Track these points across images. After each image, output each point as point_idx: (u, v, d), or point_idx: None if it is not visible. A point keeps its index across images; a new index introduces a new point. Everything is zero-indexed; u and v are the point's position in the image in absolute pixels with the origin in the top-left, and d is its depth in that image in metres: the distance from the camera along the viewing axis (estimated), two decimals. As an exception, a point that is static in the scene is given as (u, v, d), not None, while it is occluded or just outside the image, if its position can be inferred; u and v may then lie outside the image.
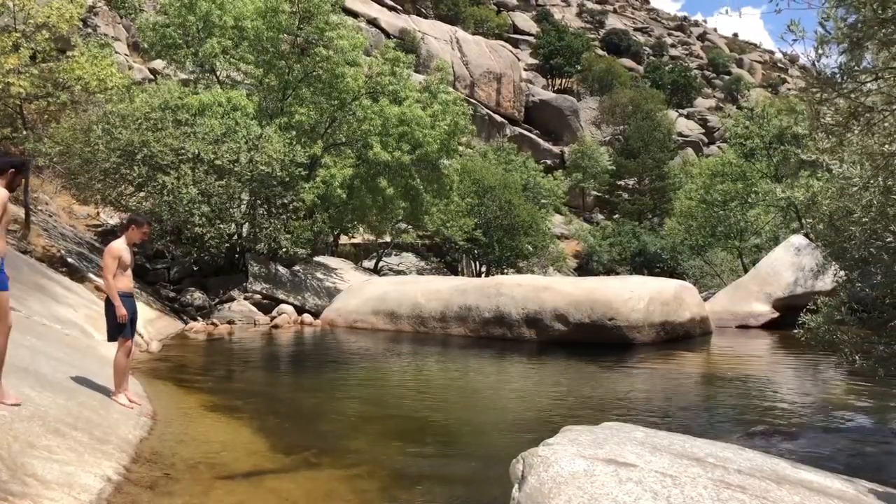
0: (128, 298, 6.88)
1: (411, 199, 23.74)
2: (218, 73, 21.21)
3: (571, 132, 65.28)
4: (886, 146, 5.89)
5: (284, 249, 18.61)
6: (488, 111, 59.72)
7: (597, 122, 68.78)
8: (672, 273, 37.26)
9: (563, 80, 77.79)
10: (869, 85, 5.18)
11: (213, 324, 16.25)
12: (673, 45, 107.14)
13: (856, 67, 4.78)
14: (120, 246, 6.87)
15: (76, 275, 14.57)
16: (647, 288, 14.79)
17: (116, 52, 26.48)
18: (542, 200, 47.05)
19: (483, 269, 34.70)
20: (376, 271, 27.34)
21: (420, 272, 30.81)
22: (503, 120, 61.01)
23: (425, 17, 68.37)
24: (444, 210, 26.15)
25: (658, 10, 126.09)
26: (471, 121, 26.50)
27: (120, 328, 6.78)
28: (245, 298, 17.75)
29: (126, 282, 6.90)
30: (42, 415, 5.37)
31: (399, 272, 29.81)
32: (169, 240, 17.15)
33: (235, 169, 16.73)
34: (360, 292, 18.01)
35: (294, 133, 19.87)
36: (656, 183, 58.27)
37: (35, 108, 16.31)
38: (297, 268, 20.32)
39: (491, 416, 8.13)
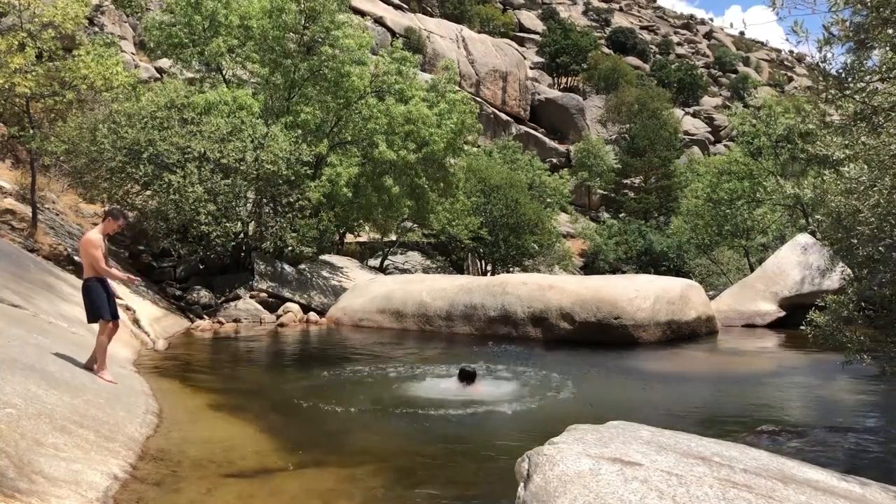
0: (102, 282, 7.48)
1: (417, 197, 23.74)
2: (224, 71, 21.23)
3: (577, 131, 65.24)
4: (893, 146, 5.87)
5: (290, 248, 18.62)
6: (494, 110, 59.73)
7: (602, 121, 68.70)
8: (678, 272, 37.19)
9: (569, 79, 77.76)
10: (876, 85, 5.17)
11: (219, 322, 16.29)
12: (679, 44, 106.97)
13: (861, 68, 4.77)
14: (98, 237, 7.49)
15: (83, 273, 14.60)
16: (653, 287, 14.76)
17: (122, 51, 26.52)
18: (548, 199, 47.04)
19: (489, 267, 34.68)
20: (382, 270, 27.35)
21: (426, 271, 30.81)
22: (509, 118, 61.00)
23: (431, 15, 68.39)
24: (450, 209, 26.14)
25: (664, 8, 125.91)
26: (477, 119, 26.48)
27: (98, 310, 7.38)
28: (251, 297, 17.77)
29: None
30: (49, 412, 5.39)
31: (404, 271, 29.81)
32: (175, 238, 17.19)
33: (241, 167, 16.75)
34: (365, 291, 18.01)
35: (300, 132, 19.87)
36: (662, 181, 58.19)
37: (41, 107, 16.35)
38: (302, 266, 20.34)
39: (496, 414, 8.13)
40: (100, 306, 7.36)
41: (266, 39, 20.58)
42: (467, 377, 9.32)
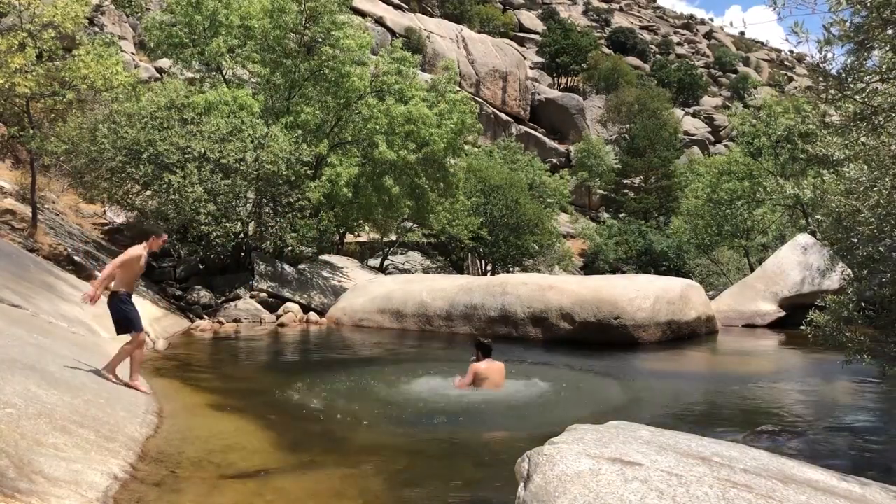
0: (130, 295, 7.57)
1: (417, 197, 23.74)
2: (224, 71, 21.23)
3: (577, 131, 65.27)
4: (893, 147, 5.87)
5: (290, 248, 18.62)
6: (494, 110, 59.75)
7: (603, 121, 68.72)
8: (678, 272, 37.20)
9: (569, 79, 77.84)
10: (876, 85, 5.17)
11: (219, 322, 16.28)
12: (679, 44, 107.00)
13: (861, 68, 4.77)
14: (140, 253, 7.58)
15: (83, 273, 14.61)
16: (653, 287, 14.76)
17: (122, 51, 26.53)
18: (548, 199, 47.06)
19: (489, 267, 34.68)
20: (382, 270, 27.35)
21: (425, 271, 30.81)
22: (509, 118, 61.03)
23: (431, 15, 68.43)
24: (450, 209, 26.14)
25: (664, 8, 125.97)
26: (477, 119, 26.48)
27: (132, 323, 7.43)
28: (251, 297, 17.77)
29: (132, 284, 7.65)
30: (49, 412, 5.39)
31: (404, 271, 29.82)
32: (175, 238, 17.19)
33: (241, 168, 16.75)
34: (365, 291, 18.01)
35: (300, 132, 19.87)
36: (662, 181, 58.23)
37: (41, 107, 16.36)
38: (302, 266, 20.34)
39: (497, 414, 8.13)
40: (133, 319, 7.44)
41: (266, 39, 20.59)
42: (484, 349, 9.29)
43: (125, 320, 7.46)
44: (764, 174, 26.04)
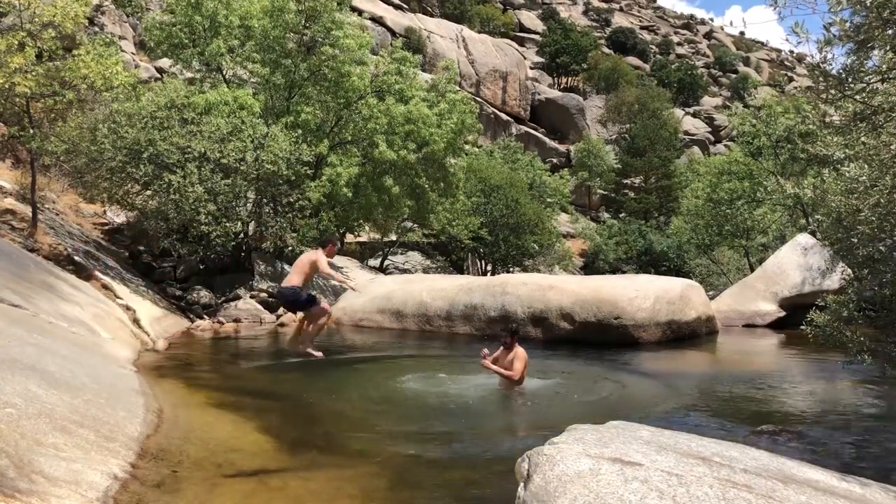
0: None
1: (417, 197, 23.74)
2: (224, 71, 21.22)
3: (577, 131, 65.30)
4: (894, 146, 5.87)
5: (290, 248, 18.61)
6: (494, 110, 59.77)
7: (603, 121, 68.73)
8: (678, 272, 37.20)
9: (569, 79, 77.89)
10: (876, 85, 5.17)
11: (219, 322, 16.28)
12: (679, 44, 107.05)
13: (861, 68, 4.77)
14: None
15: (83, 273, 14.60)
16: (653, 287, 14.76)
17: (122, 51, 26.49)
18: (548, 199, 47.06)
19: (489, 267, 34.68)
20: (382, 270, 27.35)
21: (426, 271, 30.81)
22: (509, 118, 61.05)
23: (431, 15, 68.43)
24: (450, 209, 26.14)
25: (664, 8, 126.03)
26: (477, 119, 26.49)
27: (314, 300, 10.67)
28: (251, 297, 17.76)
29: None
30: (49, 412, 5.39)
31: (405, 271, 29.82)
32: (175, 238, 17.17)
33: (241, 167, 16.74)
34: (365, 291, 18.00)
35: (300, 132, 19.86)
36: (662, 181, 58.24)
37: (41, 107, 16.34)
38: (303, 266, 20.31)
39: (497, 414, 8.13)
40: (314, 297, 10.53)
41: (266, 39, 20.57)
42: (514, 333, 9.33)
43: (310, 299, 10.49)
44: (764, 174, 26.04)
